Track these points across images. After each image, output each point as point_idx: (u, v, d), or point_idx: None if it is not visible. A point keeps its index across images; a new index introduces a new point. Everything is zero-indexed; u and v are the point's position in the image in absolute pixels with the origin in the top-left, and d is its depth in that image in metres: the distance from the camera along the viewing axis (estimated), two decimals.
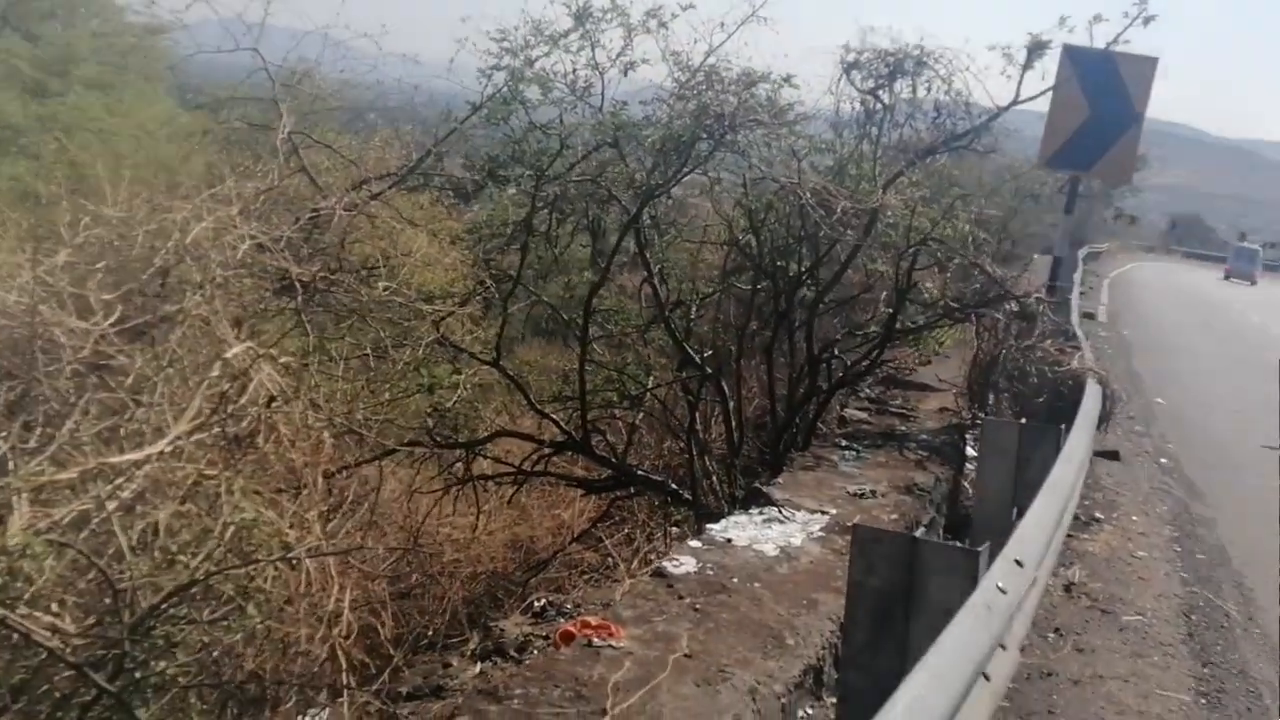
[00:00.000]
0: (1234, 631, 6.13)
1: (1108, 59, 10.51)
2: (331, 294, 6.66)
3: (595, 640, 4.32)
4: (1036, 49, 9.21)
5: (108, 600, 2.77)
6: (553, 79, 9.35)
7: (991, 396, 9.17)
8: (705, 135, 8.75)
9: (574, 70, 9.43)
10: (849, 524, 5.44)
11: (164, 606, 2.82)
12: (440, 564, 8.79)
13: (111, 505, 2.77)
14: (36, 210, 6.65)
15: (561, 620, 4.56)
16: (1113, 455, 9.97)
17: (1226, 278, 50.78)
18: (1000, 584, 3.30)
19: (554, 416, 10.39)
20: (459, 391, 8.71)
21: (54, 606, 2.68)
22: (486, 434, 10.01)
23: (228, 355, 3.14)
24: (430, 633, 7.07)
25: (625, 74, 9.39)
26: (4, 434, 2.97)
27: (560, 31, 9.30)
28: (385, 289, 6.67)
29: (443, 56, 9.79)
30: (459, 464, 9.86)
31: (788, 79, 9.16)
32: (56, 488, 2.79)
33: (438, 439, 9.23)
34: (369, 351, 8.23)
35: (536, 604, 4.92)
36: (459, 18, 9.48)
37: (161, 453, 2.92)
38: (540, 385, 12.22)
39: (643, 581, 5.21)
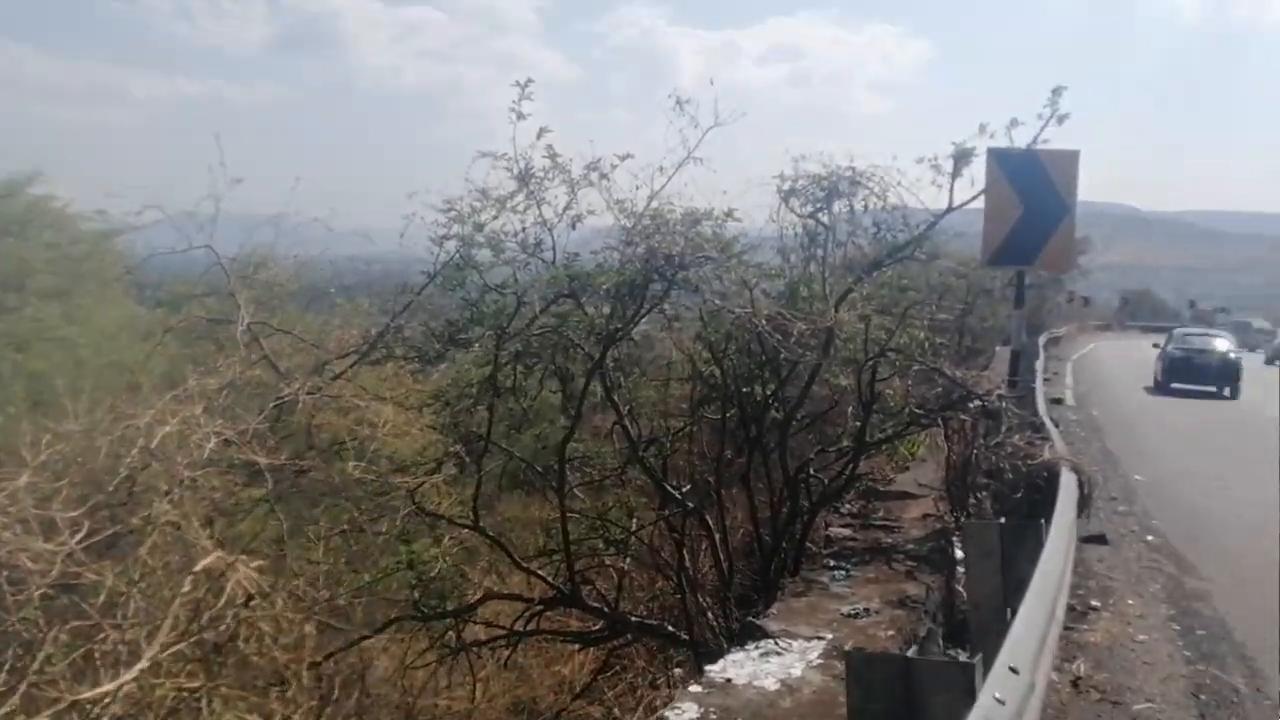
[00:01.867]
0: (1244, 705, 6.11)
1: (1032, 157, 10.91)
2: (303, 478, 6.65)
3: None
4: (962, 157, 9.54)
5: None
6: (503, 240, 9.53)
7: (972, 497, 9.18)
8: (657, 276, 8.93)
9: (523, 229, 9.63)
10: (846, 646, 5.37)
11: None
12: None
13: None
14: None
15: None
16: (1100, 539, 9.96)
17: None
18: (998, 695, 3.26)
19: (540, 572, 10.25)
20: (439, 563, 8.63)
21: None
22: (474, 599, 9.84)
23: (197, 568, 3.11)
24: None
25: (573, 227, 9.58)
26: None
27: (505, 194, 9.54)
28: (355, 467, 6.66)
29: (393, 230, 9.98)
30: (450, 633, 9.66)
31: (729, 213, 9.39)
32: None
33: (425, 610, 9.08)
34: (346, 529, 8.18)
35: None
36: (405, 194, 9.69)
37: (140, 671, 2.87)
38: (524, 540, 12.09)
39: None
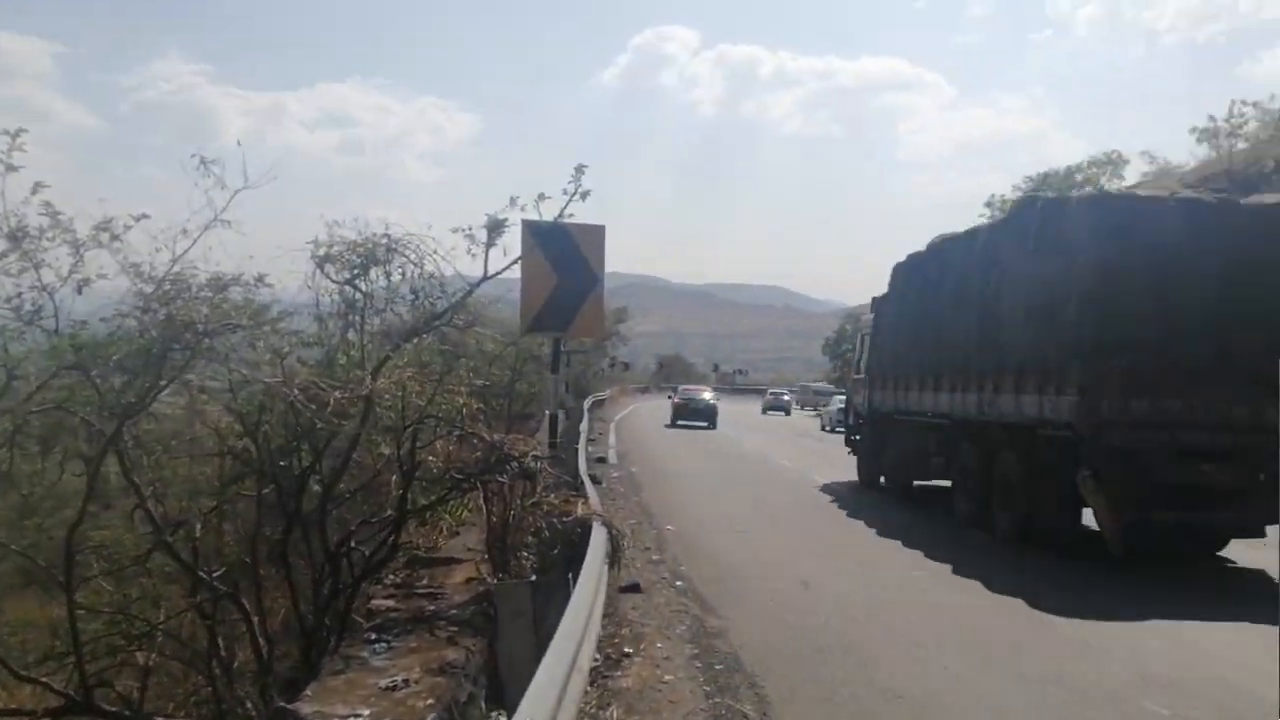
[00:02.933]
0: None
1: (562, 230, 11.62)
2: None
3: None
4: (495, 227, 9.89)
5: None
6: None
7: (513, 557, 9.41)
8: (178, 345, 8.34)
9: (18, 294, 8.60)
10: None
11: None
12: None
13: None
14: None
15: None
16: (635, 588, 10.57)
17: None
18: None
19: (44, 680, 9.06)
20: None
21: None
22: None
23: None
24: None
25: (79, 291, 8.70)
26: None
27: None
28: None
29: None
30: None
31: (260, 278, 9.03)
32: None
33: None
34: None
35: None
36: None
37: None
38: (38, 644, 10.70)
39: None
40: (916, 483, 19.37)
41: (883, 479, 20.91)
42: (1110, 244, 12.42)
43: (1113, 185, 50.59)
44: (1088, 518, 13.13)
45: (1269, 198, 16.18)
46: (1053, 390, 12.92)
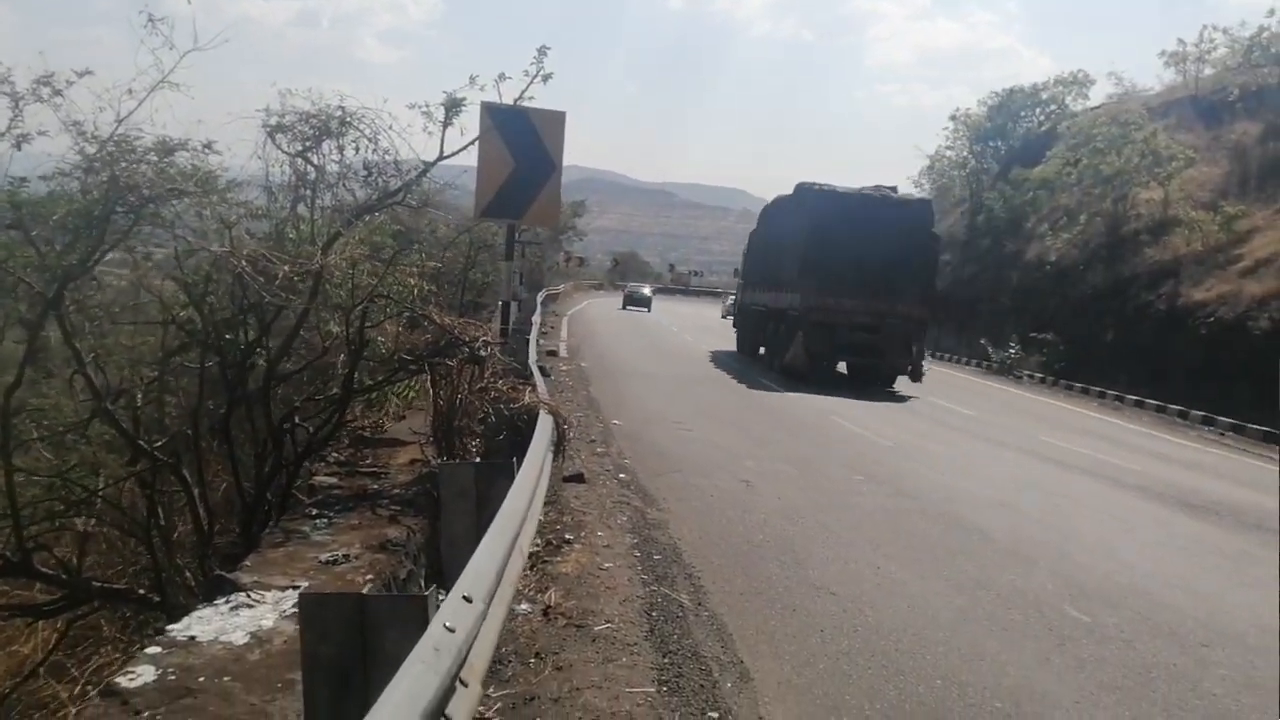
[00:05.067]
0: (687, 620, 6.78)
1: (521, 114, 11.37)
2: None
3: None
4: (453, 106, 9.66)
5: None
6: None
7: (459, 441, 9.40)
8: (121, 208, 8.10)
9: None
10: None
11: None
12: None
13: None
14: None
15: None
16: (579, 478, 10.66)
17: (625, 306, 63.86)
18: (448, 623, 3.35)
19: None
20: None
21: None
22: None
23: None
24: None
25: (19, 148, 8.38)
26: None
27: None
28: None
29: None
30: None
31: (209, 145, 8.76)
32: None
33: None
34: None
35: None
36: None
37: None
38: None
39: (91, 706, 4.65)
40: (761, 349, 29.73)
41: (741, 346, 32.27)
42: (820, 216, 24.54)
43: (1077, 105, 50.46)
44: None
45: (911, 196, 29.61)
46: (792, 292, 25.01)
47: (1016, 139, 51.69)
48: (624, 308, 59.76)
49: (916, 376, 24.14)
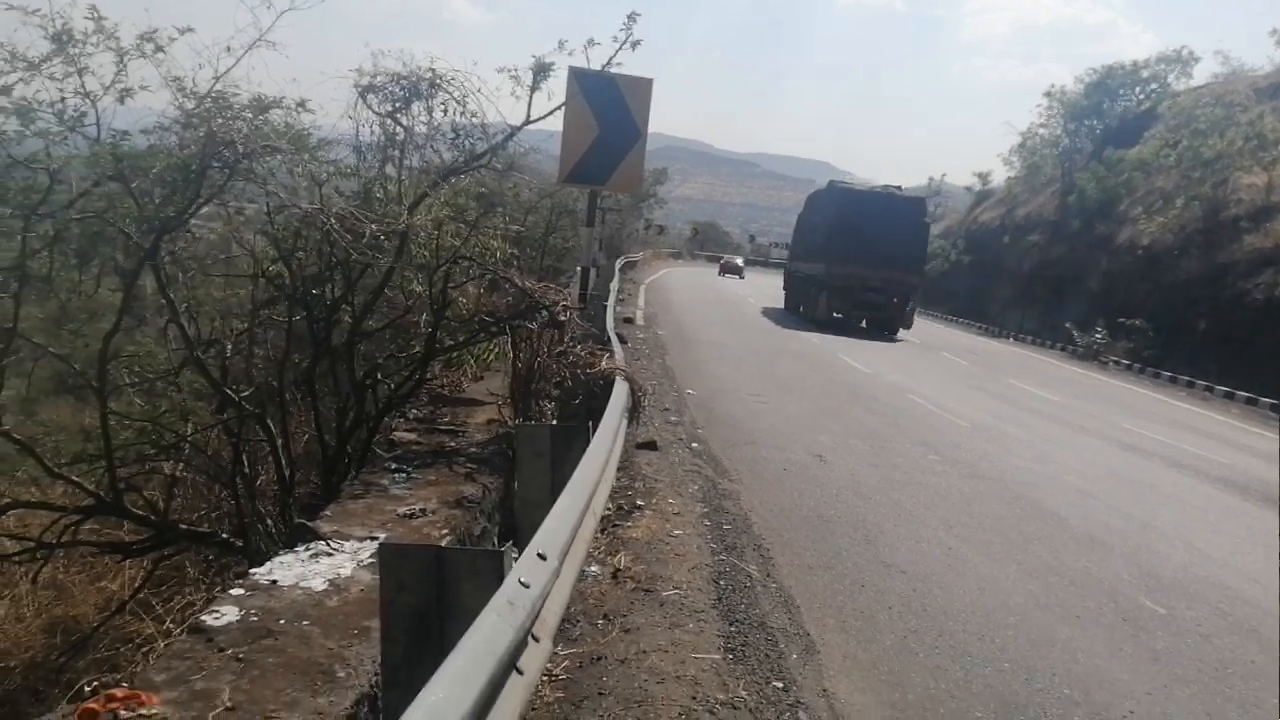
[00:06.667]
0: (755, 590, 6.80)
1: (609, 80, 11.37)
2: None
3: (122, 713, 3.96)
4: (541, 71, 9.70)
5: None
6: (36, 109, 8.39)
7: (536, 403, 9.52)
8: (218, 164, 8.31)
9: (62, 99, 8.54)
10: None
11: None
12: None
13: None
14: None
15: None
16: (651, 445, 10.72)
17: (721, 274, 72.94)
18: (523, 578, 3.43)
19: (76, 479, 9.36)
20: None
21: None
22: None
23: None
24: None
25: (122, 101, 8.65)
26: None
27: (40, 56, 8.37)
28: None
29: None
30: None
31: (303, 103, 8.94)
32: None
33: None
34: None
35: (87, 688, 4.42)
36: None
37: None
38: (70, 447, 11.01)
39: (179, 641, 4.85)
40: (801, 307, 37.02)
41: (787, 304, 39.88)
42: (843, 206, 33.06)
43: (1180, 85, 48.76)
44: None
45: (909, 195, 35.87)
46: (821, 262, 33.33)
47: (1113, 118, 49.96)
48: (721, 275, 70.18)
49: (908, 325, 33.77)
